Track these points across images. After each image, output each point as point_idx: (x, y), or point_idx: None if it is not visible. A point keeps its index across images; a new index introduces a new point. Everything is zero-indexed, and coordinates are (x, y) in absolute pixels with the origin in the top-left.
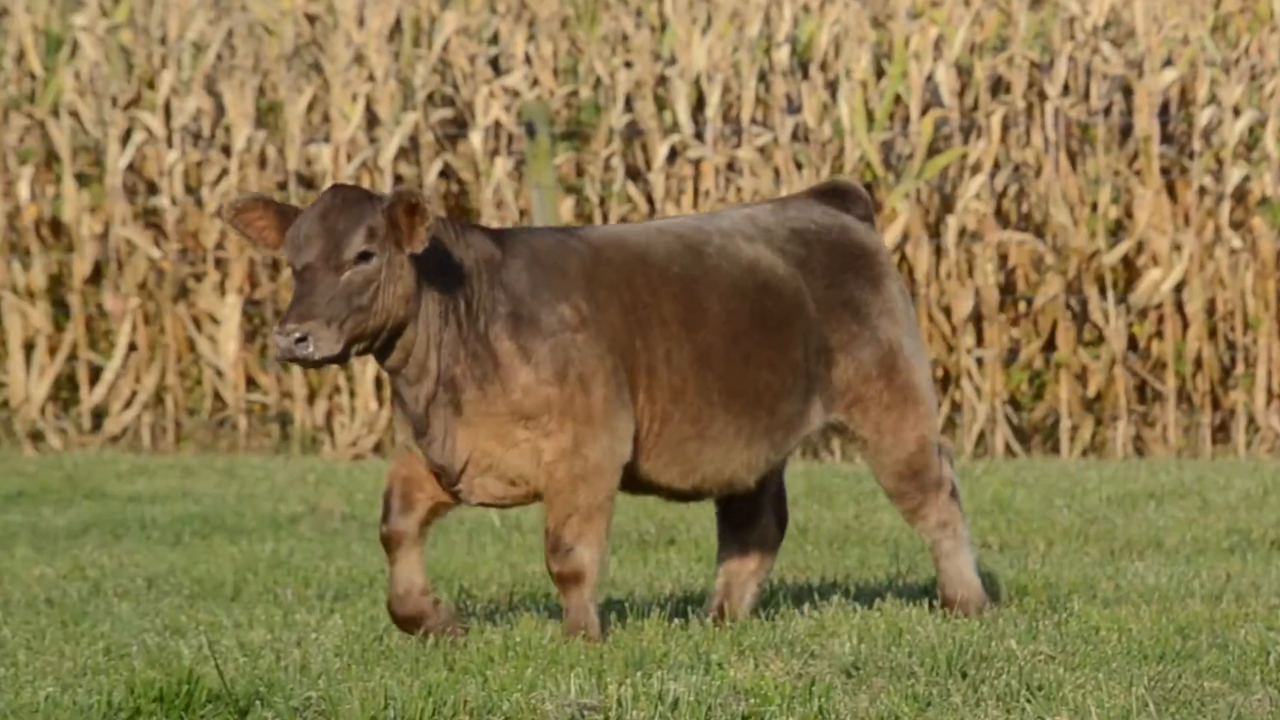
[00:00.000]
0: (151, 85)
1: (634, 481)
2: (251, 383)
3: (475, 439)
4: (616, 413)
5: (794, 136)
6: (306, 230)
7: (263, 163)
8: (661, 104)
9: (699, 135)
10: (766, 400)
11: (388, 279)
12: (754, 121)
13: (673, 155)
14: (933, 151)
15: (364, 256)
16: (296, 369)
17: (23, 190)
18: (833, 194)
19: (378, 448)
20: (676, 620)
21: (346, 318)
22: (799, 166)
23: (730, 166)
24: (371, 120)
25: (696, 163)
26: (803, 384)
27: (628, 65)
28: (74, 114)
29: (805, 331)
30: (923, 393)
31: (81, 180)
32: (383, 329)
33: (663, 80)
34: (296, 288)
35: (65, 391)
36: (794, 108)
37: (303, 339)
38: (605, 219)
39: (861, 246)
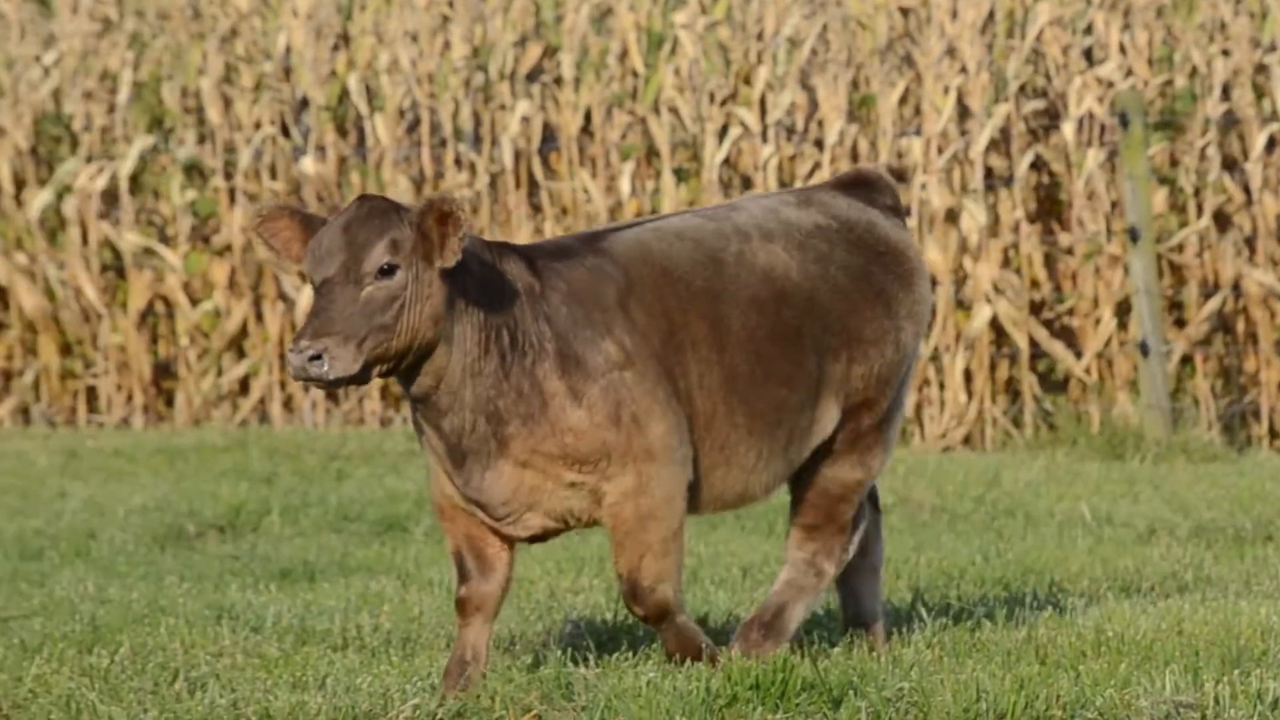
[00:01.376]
0: (748, 81)
1: None
2: None
3: (521, 476)
4: (676, 442)
5: None
6: (328, 243)
7: (854, 156)
8: (1260, 92)
9: None
10: (786, 418)
11: (414, 296)
12: None
13: (1271, 145)
14: None
15: (387, 270)
16: None
17: (624, 185)
18: (858, 184)
19: (967, 440)
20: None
21: (366, 335)
22: None
23: None
24: (963, 112)
25: None
26: (815, 392)
27: (1225, 53)
28: (673, 110)
29: (818, 336)
30: (898, 420)
31: (679, 175)
32: (408, 350)
33: (1261, 68)
34: (314, 303)
35: None
36: None
37: (317, 357)
38: (1200, 210)
39: (888, 242)
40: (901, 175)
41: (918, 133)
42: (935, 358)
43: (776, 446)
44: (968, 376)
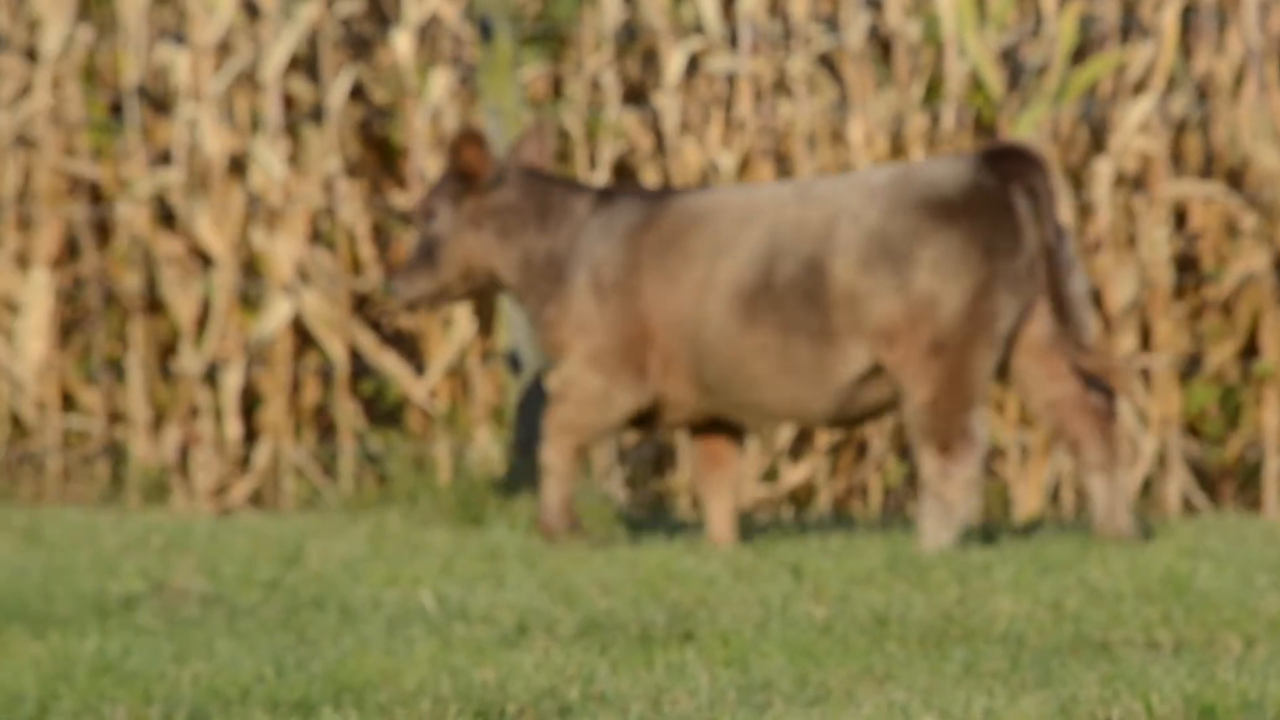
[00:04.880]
0: None
1: None
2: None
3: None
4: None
5: (872, 41)
6: None
7: (90, 73)
8: None
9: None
10: None
11: (454, 233)
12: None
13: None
14: (1078, 62)
15: (429, 214)
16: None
17: None
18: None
19: (256, 497)
20: None
21: (422, 273)
22: (876, 84)
23: (778, 84)
24: (251, 12)
25: (730, 79)
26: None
27: None
28: None
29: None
30: None
31: None
32: (466, 277)
33: None
34: None
35: None
36: (871, 0)
37: (392, 287)
38: (592, 161)
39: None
40: (161, 103)
41: (182, 40)
42: (209, 375)
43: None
44: (252, 402)
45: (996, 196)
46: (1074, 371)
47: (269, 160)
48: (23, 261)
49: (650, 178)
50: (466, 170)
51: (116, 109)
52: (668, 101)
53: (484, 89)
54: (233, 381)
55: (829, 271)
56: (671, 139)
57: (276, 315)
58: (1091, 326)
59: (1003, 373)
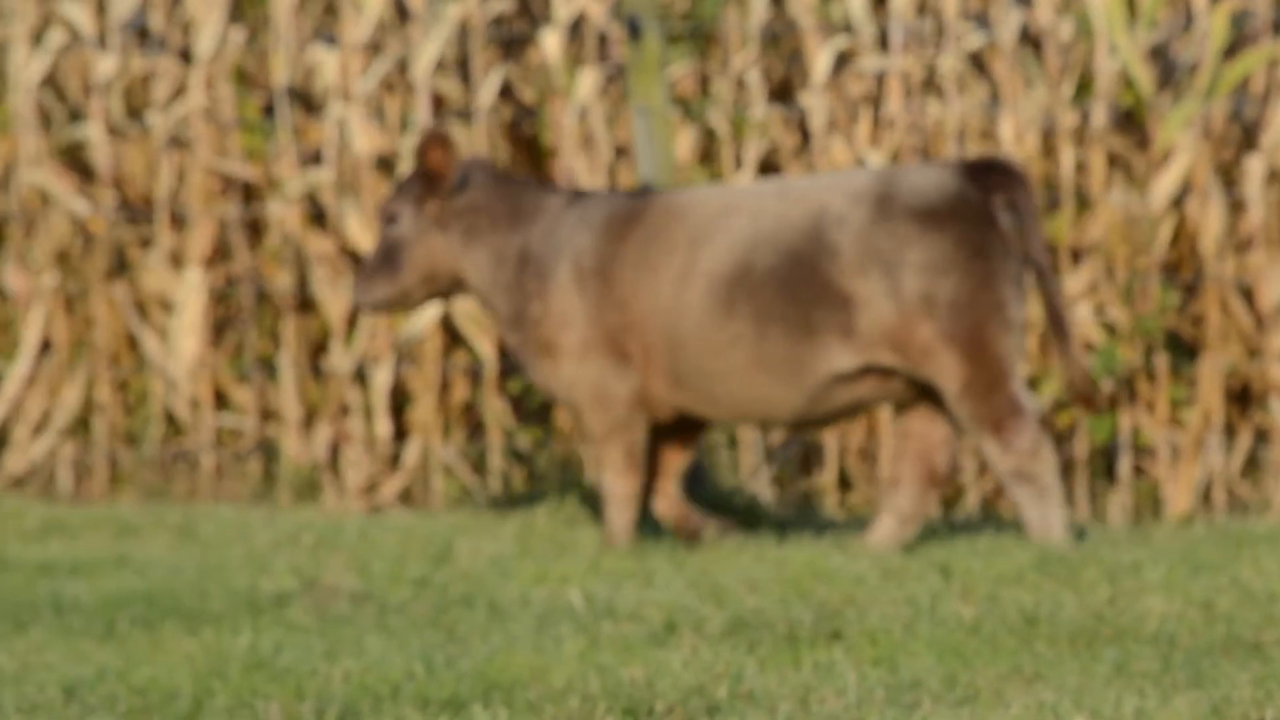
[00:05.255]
0: None
1: None
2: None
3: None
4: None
5: (1025, 39)
6: None
7: (242, 74)
8: None
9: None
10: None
11: (417, 236)
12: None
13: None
14: (1229, 58)
15: (392, 219)
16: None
17: None
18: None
19: (406, 495)
20: None
21: (383, 275)
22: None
23: (927, 82)
24: (401, 12)
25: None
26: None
27: None
28: None
29: None
30: None
31: None
32: (429, 279)
33: None
34: None
35: None
36: None
37: (357, 288)
38: (739, 160)
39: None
40: (311, 103)
41: (333, 41)
42: (359, 373)
43: None
44: (401, 399)
45: (979, 207)
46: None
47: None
48: (177, 261)
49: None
50: (431, 172)
51: (268, 109)
52: (814, 100)
53: (632, 88)
54: (382, 380)
55: (819, 273)
56: (818, 137)
57: (425, 314)
58: (1077, 339)
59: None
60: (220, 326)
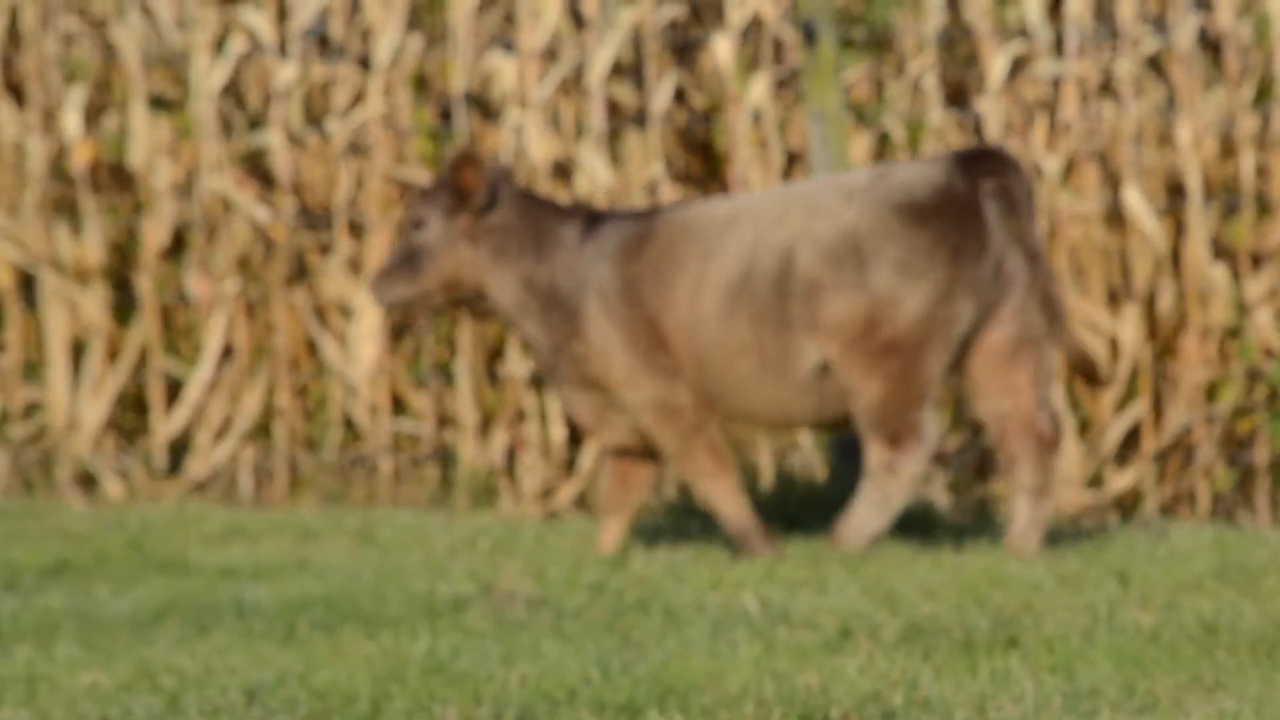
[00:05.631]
0: None
1: None
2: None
3: (581, 396)
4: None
5: (1203, 42)
6: None
7: (421, 81)
8: None
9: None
10: None
11: (442, 246)
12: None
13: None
14: None
15: (418, 223)
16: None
17: (70, 121)
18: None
19: (582, 500)
20: None
21: (401, 278)
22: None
23: (1103, 86)
24: (576, 19)
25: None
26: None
27: None
28: (147, 10)
29: None
30: None
31: (157, 107)
32: (445, 290)
33: None
34: None
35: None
36: (1200, 1)
37: (373, 287)
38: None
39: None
40: (488, 110)
41: (510, 48)
42: (535, 379)
43: None
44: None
45: (965, 199)
46: (1031, 388)
47: (594, 165)
48: (355, 267)
49: None
50: (462, 190)
51: (445, 116)
52: (990, 105)
53: (806, 93)
54: None
55: (794, 265)
56: (994, 142)
57: None
58: (1067, 319)
59: (957, 375)
60: (398, 332)
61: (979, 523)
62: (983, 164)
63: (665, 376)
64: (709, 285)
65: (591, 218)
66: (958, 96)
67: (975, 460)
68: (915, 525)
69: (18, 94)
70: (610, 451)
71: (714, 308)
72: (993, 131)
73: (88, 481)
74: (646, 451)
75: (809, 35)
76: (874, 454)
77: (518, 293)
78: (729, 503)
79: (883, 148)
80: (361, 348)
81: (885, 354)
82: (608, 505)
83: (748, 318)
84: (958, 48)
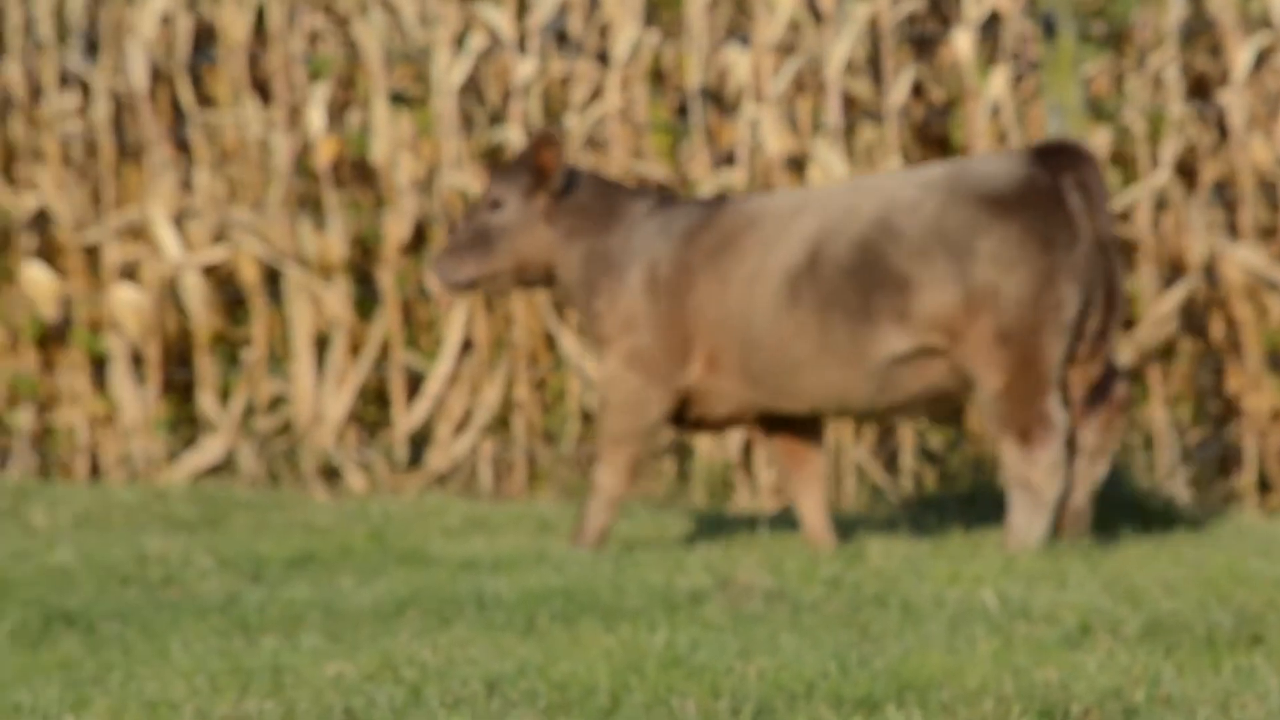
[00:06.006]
0: None
1: None
2: None
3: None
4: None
5: None
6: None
7: (657, 76)
8: None
9: None
10: None
11: (519, 225)
12: None
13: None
14: None
15: (496, 204)
16: None
17: (314, 117)
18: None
19: None
20: None
21: (473, 256)
22: None
23: None
24: (811, 13)
25: None
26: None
27: None
28: (389, 8)
29: None
30: None
31: (398, 102)
32: (518, 270)
33: None
34: None
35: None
36: None
37: (437, 265)
38: (1154, 159)
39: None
40: (724, 104)
41: (745, 42)
42: None
43: None
44: None
45: (1050, 191)
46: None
47: (829, 160)
48: None
49: (1211, 174)
50: (542, 170)
51: (681, 110)
52: (1234, 97)
53: (1046, 86)
54: None
55: (884, 259)
56: (1237, 135)
57: None
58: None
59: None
60: None
61: (1221, 518)
62: (1062, 157)
63: (661, 375)
64: (770, 272)
65: (663, 199)
66: (1199, 89)
67: (1218, 455)
68: (1156, 520)
69: (263, 91)
70: (769, 437)
71: (775, 296)
72: (1236, 123)
73: (331, 474)
74: (801, 424)
75: (1048, 29)
76: (1009, 456)
77: (582, 268)
78: (605, 509)
79: (1123, 142)
80: None
81: (998, 345)
82: (795, 492)
83: (813, 306)
84: (1198, 40)
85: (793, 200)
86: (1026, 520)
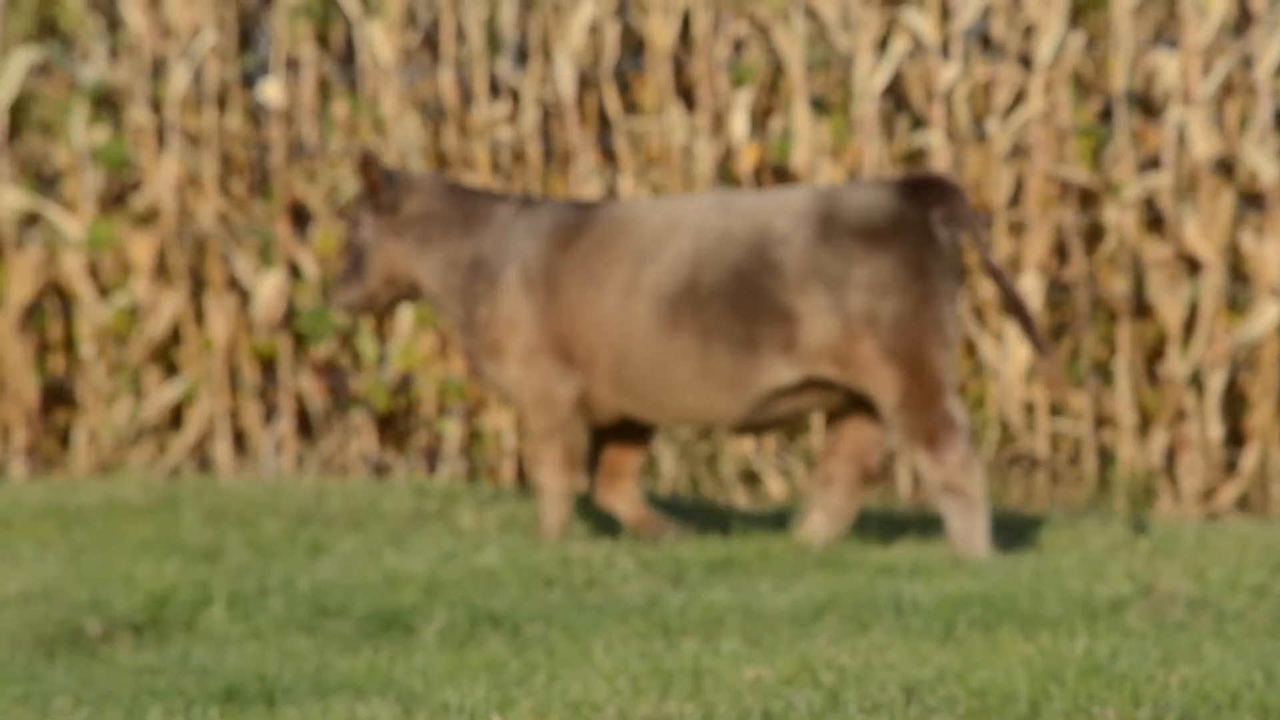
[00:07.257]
0: None
1: None
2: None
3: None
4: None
5: None
6: None
7: (1078, 79)
8: None
9: None
10: None
11: (374, 243)
12: None
13: None
14: None
15: (354, 223)
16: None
17: (738, 123)
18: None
19: (1243, 501)
20: None
21: (353, 278)
22: None
23: None
24: (1243, 13)
25: None
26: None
27: None
28: (811, 14)
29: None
30: None
31: (819, 108)
32: (390, 284)
33: None
34: None
35: None
36: None
37: (335, 288)
38: None
39: None
40: (1150, 107)
41: (1173, 44)
42: (1195, 379)
43: None
44: (1238, 405)
45: (919, 224)
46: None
47: (1258, 161)
48: (1014, 265)
49: None
50: (368, 189)
51: (1105, 114)
52: None
53: None
54: (1217, 385)
55: (764, 291)
56: None
57: (1264, 318)
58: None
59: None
60: (1055, 331)
61: None
62: (930, 191)
63: (560, 365)
64: (644, 289)
65: (526, 201)
66: None
67: None
68: None
69: (688, 98)
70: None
71: (650, 314)
72: None
73: (751, 479)
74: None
75: None
76: (922, 465)
77: (443, 274)
78: (556, 504)
79: None
80: (1017, 347)
81: (885, 363)
82: (611, 501)
83: (695, 332)
84: None
85: (663, 213)
86: (964, 524)
